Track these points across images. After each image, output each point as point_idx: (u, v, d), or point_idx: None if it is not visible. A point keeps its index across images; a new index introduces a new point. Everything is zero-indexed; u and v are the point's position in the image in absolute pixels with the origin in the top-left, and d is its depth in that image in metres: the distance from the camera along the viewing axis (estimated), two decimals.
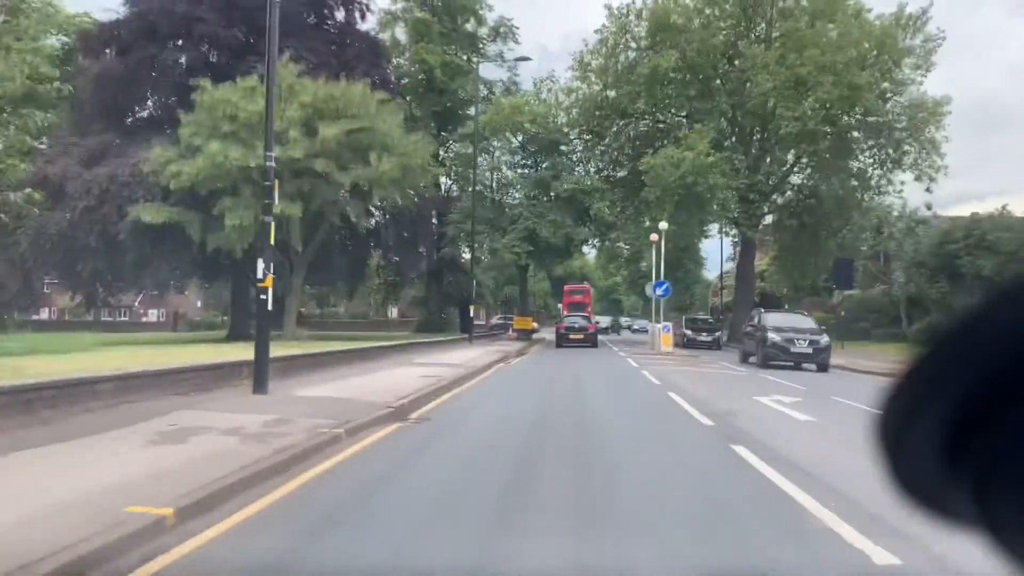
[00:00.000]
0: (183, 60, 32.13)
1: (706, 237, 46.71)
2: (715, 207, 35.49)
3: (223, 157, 26.22)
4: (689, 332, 33.67)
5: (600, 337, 37.14)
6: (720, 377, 18.20)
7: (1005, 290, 0.61)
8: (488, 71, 44.31)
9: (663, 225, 29.32)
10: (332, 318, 63.39)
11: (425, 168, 30.82)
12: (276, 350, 17.84)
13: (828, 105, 34.39)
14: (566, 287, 55.58)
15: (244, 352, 19.52)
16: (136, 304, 67.02)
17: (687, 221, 36.23)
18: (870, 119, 36.56)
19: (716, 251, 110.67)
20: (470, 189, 39.14)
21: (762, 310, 18.36)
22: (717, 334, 33.51)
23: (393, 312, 63.58)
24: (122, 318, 66.06)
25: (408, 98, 42.72)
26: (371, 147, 27.73)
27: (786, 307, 33.68)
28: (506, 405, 11.52)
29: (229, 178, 26.82)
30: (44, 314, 64.73)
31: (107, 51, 32.32)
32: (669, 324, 29.81)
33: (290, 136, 26.75)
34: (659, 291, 30.47)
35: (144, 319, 67.04)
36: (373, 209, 35.97)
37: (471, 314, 32.88)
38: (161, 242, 29.24)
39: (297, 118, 27.06)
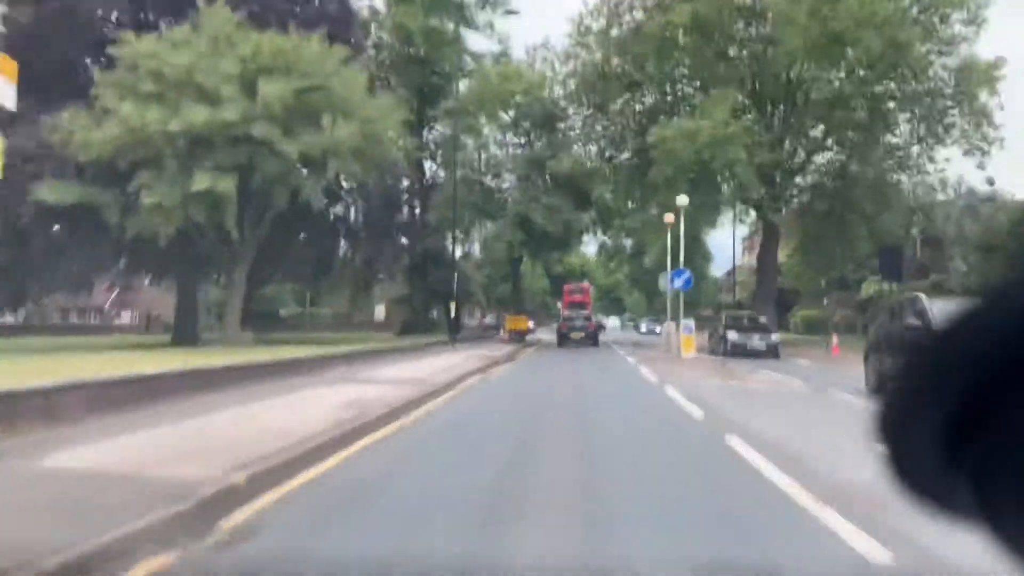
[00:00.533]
0: (109, 14, 26.82)
1: (711, 228, 41.48)
2: (733, 187, 30.19)
3: (140, 120, 20.91)
4: (733, 335, 23.69)
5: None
6: (783, 399, 12.73)
7: (1006, 284, 0.60)
8: (477, 43, 38.87)
9: (682, 200, 23.66)
10: (317, 319, 58.03)
11: (396, 138, 25.49)
12: (145, 364, 12.53)
13: (869, 65, 29.02)
14: (566, 286, 54.92)
15: (139, 363, 14.36)
16: (107, 305, 61.69)
17: (701, 205, 30.95)
18: (910, 87, 31.23)
19: (719, 245, 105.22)
20: (457, 172, 33.90)
21: (922, 296, 11.65)
22: (774, 338, 23.60)
23: (381, 312, 58.14)
24: (92, 321, 60.77)
25: (386, 75, 37.55)
26: (328, 110, 22.41)
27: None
28: (436, 485, 6.03)
29: (149, 147, 21.50)
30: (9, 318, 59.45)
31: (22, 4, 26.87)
32: (691, 324, 23.89)
33: (223, 94, 21.39)
34: (678, 282, 24.43)
35: (116, 321, 61.64)
36: (340, 191, 30.66)
37: (453, 313, 27.42)
38: (77, 228, 24.03)
39: (234, 73, 21.70)
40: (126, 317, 63.08)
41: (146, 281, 36.33)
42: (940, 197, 31.13)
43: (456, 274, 28.94)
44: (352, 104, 22.70)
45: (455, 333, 27.11)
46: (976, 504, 0.66)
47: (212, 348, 22.04)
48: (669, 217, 25.08)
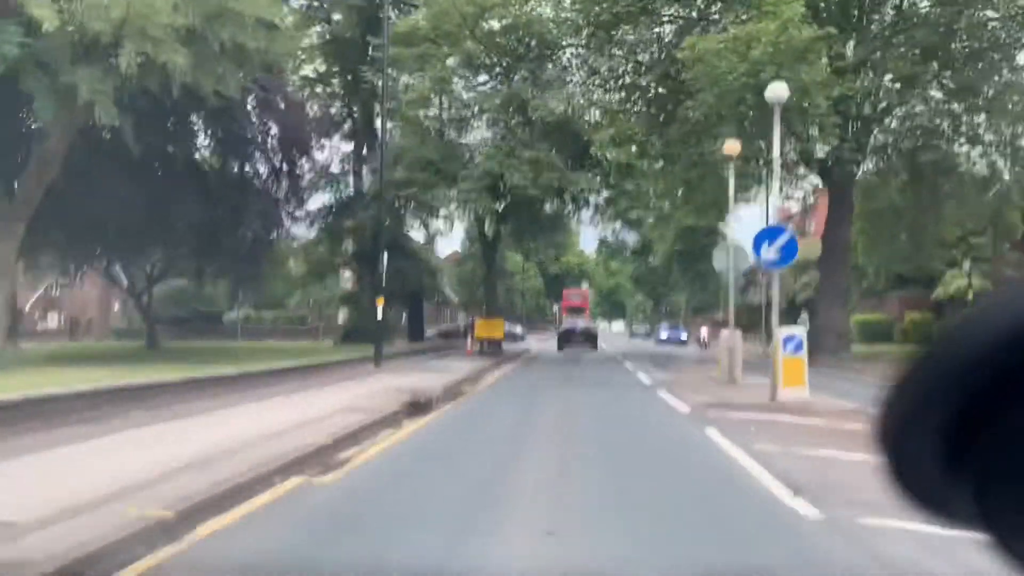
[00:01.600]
0: None
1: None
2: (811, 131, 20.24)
3: None
4: None
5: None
6: None
7: (1006, 291, 0.60)
8: None
9: (779, 90, 12.66)
10: (264, 324, 47.78)
11: (283, 26, 15.39)
12: None
13: None
14: (564, 291, 57.97)
15: None
16: (27, 307, 51.42)
17: (751, 160, 21.11)
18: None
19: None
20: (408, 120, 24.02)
21: None
22: None
23: (342, 315, 47.85)
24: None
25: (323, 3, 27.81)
26: None
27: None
28: None
29: None
30: None
31: None
32: (801, 333, 11.45)
33: None
34: (770, 250, 10.90)
35: (42, 326, 51.31)
36: (248, 143, 20.54)
37: (379, 315, 17.24)
38: None
39: None
40: (53, 320, 52.87)
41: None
42: None
43: (387, 256, 18.86)
44: None
45: (381, 347, 16.95)
46: (975, 510, 0.64)
47: None
48: (732, 147, 14.70)
